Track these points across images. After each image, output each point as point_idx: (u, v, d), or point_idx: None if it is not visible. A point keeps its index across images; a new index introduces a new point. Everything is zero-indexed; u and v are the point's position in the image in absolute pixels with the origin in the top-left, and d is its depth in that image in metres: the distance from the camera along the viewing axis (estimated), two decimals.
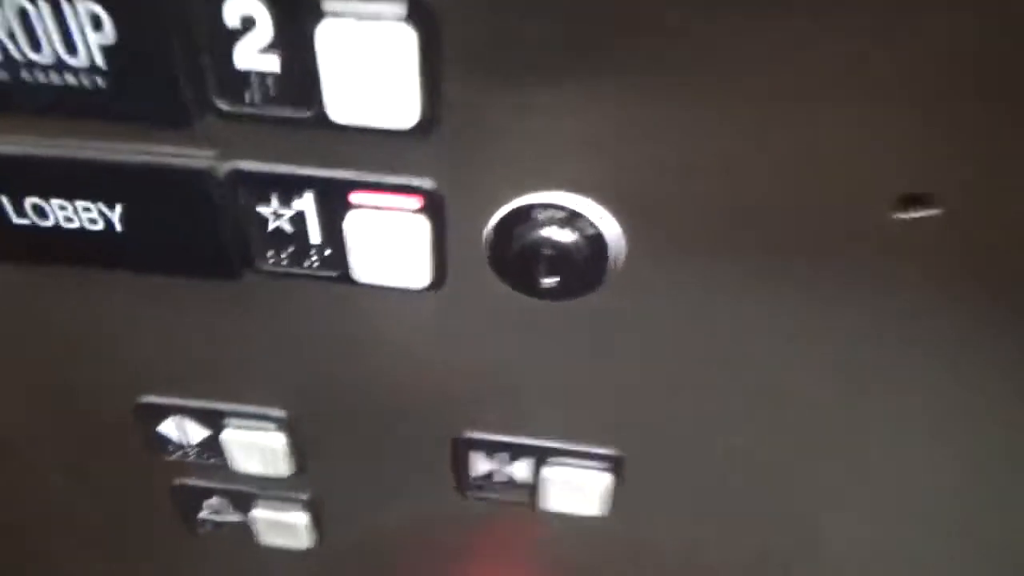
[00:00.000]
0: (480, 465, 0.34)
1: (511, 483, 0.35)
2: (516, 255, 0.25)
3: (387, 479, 0.37)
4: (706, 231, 0.25)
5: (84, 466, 0.39)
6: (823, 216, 0.25)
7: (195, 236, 0.27)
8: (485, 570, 0.42)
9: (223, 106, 0.24)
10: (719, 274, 0.27)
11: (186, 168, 0.25)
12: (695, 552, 0.39)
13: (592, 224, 0.25)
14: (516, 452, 0.34)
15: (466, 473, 0.35)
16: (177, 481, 0.39)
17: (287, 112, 0.23)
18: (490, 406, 0.32)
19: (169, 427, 0.36)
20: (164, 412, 0.35)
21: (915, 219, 0.24)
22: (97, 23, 0.22)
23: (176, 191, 0.26)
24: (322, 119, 0.23)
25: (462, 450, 0.34)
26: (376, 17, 0.21)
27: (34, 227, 0.28)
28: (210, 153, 0.25)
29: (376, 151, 0.24)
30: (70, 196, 0.27)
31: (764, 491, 0.35)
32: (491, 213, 0.25)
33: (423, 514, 0.39)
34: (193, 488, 0.39)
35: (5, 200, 0.27)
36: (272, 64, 0.22)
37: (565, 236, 0.25)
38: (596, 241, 0.25)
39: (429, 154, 0.24)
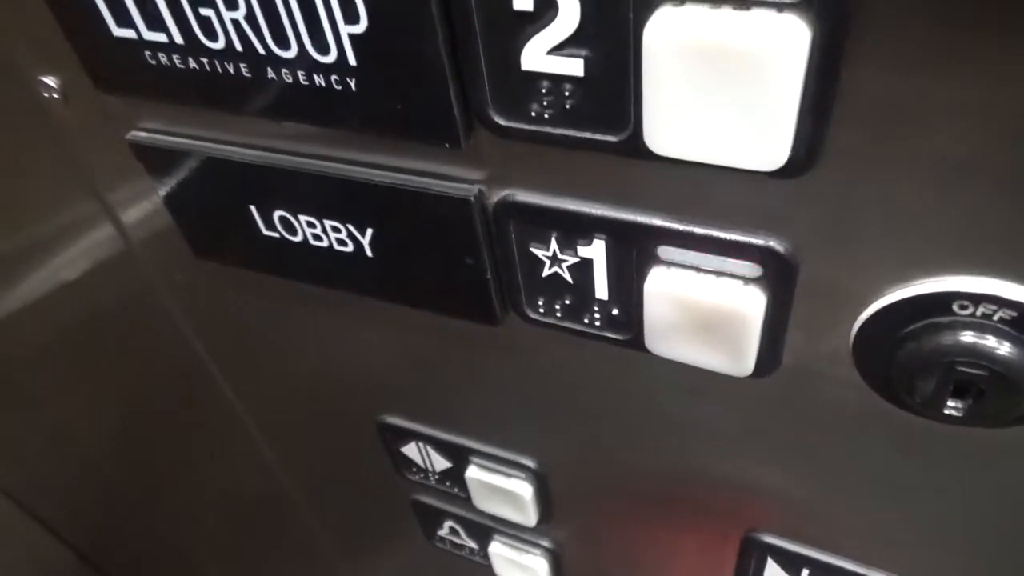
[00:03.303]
0: (773, 573, 0.26)
1: None
2: (910, 362, 0.16)
3: (652, 558, 0.29)
4: None
5: (328, 465, 0.36)
6: None
7: (453, 272, 0.21)
8: None
9: (500, 120, 0.16)
10: None
11: (448, 195, 0.19)
12: None
13: None
14: (823, 574, 0.24)
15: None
16: (417, 497, 0.35)
17: (587, 133, 0.16)
18: (799, 518, 0.23)
19: (412, 450, 0.31)
20: (407, 435, 0.30)
21: None
22: (351, 12, 0.16)
23: (435, 220, 0.19)
24: (636, 147, 0.15)
25: (755, 552, 0.25)
26: (744, 4, 0.13)
27: (283, 241, 0.23)
28: (480, 177, 0.18)
29: (707, 194, 0.16)
30: (318, 214, 0.21)
31: None
32: (872, 296, 0.16)
33: None
34: (433, 508, 0.35)
35: (254, 210, 0.22)
36: (573, 66, 0.15)
37: (1005, 349, 0.15)
38: None
39: (789, 205, 0.15)
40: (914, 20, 0.12)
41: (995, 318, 0.14)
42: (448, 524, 0.35)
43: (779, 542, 0.24)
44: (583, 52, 0.14)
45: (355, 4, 0.15)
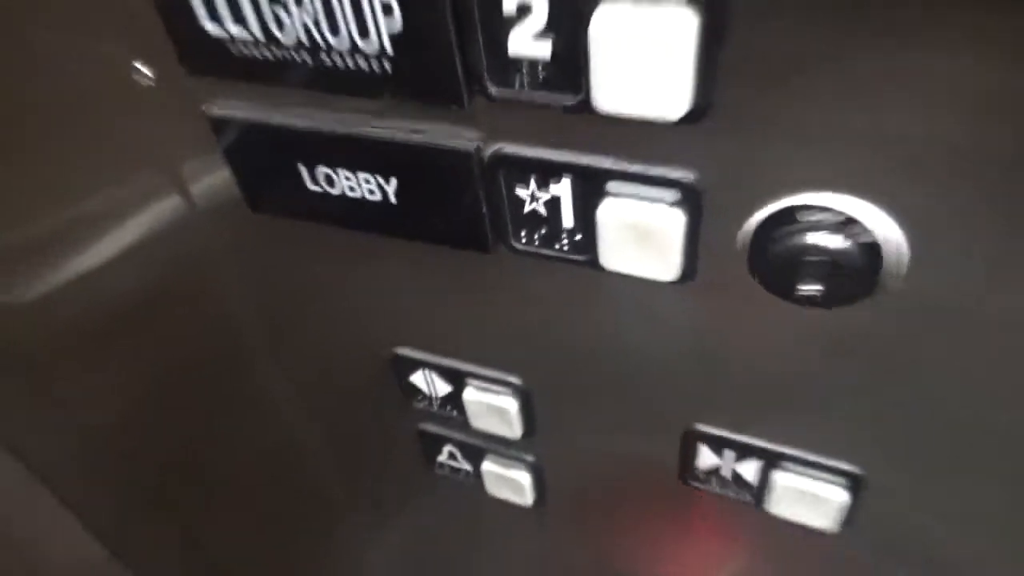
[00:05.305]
0: (707, 459, 0.32)
1: (736, 481, 0.32)
2: (776, 258, 0.22)
3: (613, 456, 0.36)
4: (1008, 244, 0.21)
5: (344, 405, 0.43)
6: None
7: (457, 211, 0.27)
8: (693, 557, 0.40)
9: (493, 91, 0.23)
10: (1016, 301, 0.22)
11: (454, 149, 0.25)
12: None
13: (867, 231, 0.21)
14: (744, 452, 0.31)
15: (692, 464, 0.33)
16: (422, 426, 0.41)
17: (553, 99, 0.22)
18: (724, 403, 0.30)
19: (419, 379, 0.37)
20: (415, 365, 0.37)
21: None
22: (388, 10, 0.22)
23: (444, 169, 0.26)
24: (587, 107, 0.22)
25: (691, 441, 0.32)
26: (657, 1, 0.19)
27: (324, 194, 0.29)
28: (477, 135, 0.25)
29: (638, 141, 0.23)
30: (353, 168, 0.28)
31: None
32: (753, 211, 0.22)
33: (642, 494, 0.37)
34: (435, 435, 0.41)
35: (302, 167, 0.29)
36: (543, 51, 0.21)
37: (834, 243, 0.21)
38: (870, 250, 0.21)
39: (693, 146, 0.22)
40: (771, 18, 0.19)
41: (828, 222, 0.21)
42: (447, 449, 0.42)
43: (711, 430, 0.31)
44: (550, 40, 0.21)
45: (393, 11, 0.22)
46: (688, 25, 0.19)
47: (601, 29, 0.20)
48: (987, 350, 0.23)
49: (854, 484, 0.29)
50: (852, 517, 0.31)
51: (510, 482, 0.40)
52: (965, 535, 0.30)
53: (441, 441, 0.41)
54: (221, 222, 0.34)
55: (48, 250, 0.41)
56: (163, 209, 0.35)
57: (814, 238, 0.21)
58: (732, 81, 0.20)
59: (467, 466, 0.42)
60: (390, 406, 0.40)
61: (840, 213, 0.21)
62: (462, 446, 0.41)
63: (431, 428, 0.41)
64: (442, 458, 0.42)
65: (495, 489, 0.42)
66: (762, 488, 0.32)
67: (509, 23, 0.21)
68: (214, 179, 0.32)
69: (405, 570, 0.56)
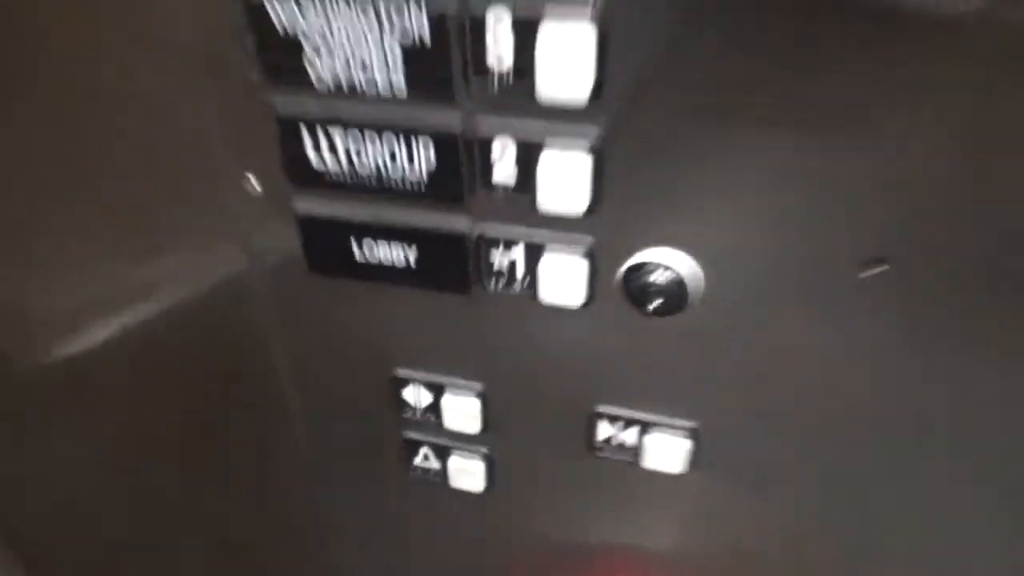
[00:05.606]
0: (604, 431, 0.50)
1: (623, 446, 0.50)
2: (635, 287, 0.42)
3: (539, 439, 0.53)
4: (758, 277, 0.41)
5: (345, 424, 0.58)
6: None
7: (452, 269, 0.45)
8: (603, 515, 0.57)
9: (482, 197, 0.42)
10: (763, 305, 0.42)
11: (455, 230, 0.44)
12: (757, 512, 0.52)
13: (679, 272, 0.41)
14: (627, 423, 0.49)
15: (595, 437, 0.50)
16: (405, 435, 0.57)
17: (516, 201, 0.41)
18: (614, 387, 0.48)
19: (409, 393, 0.54)
20: (408, 382, 0.53)
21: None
22: (427, 154, 0.41)
23: (448, 243, 0.44)
24: (534, 206, 0.41)
25: (594, 419, 0.50)
26: (568, 149, 0.39)
27: (366, 260, 0.47)
28: (470, 222, 0.44)
29: (562, 224, 0.42)
30: (389, 242, 0.46)
31: (804, 475, 0.48)
32: (624, 261, 0.42)
33: (561, 468, 0.54)
34: (414, 440, 0.57)
35: (353, 241, 0.46)
36: (512, 178, 0.41)
37: (663, 278, 0.41)
38: (682, 282, 0.41)
39: (591, 226, 0.41)
40: (628, 168, 0.39)
41: (658, 266, 0.41)
42: (423, 451, 0.57)
43: (605, 409, 0.49)
44: (515, 173, 0.40)
45: (431, 155, 0.41)
46: (585, 164, 0.39)
47: (543, 167, 0.39)
48: (760, 344, 0.43)
49: (692, 435, 0.48)
50: (696, 460, 0.49)
51: (468, 473, 0.56)
52: (781, 470, 0.49)
53: (418, 445, 0.57)
54: (281, 277, 0.51)
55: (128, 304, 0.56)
56: (233, 265, 0.52)
57: (653, 276, 0.41)
58: (611, 193, 0.40)
59: (437, 466, 0.58)
60: (381, 420, 0.56)
61: (666, 263, 0.41)
62: (434, 447, 0.57)
63: (412, 435, 0.57)
64: (418, 460, 0.58)
65: (457, 481, 0.58)
66: (639, 448, 0.50)
67: (493, 163, 0.40)
68: (283, 246, 0.49)
69: (381, 560, 0.69)
